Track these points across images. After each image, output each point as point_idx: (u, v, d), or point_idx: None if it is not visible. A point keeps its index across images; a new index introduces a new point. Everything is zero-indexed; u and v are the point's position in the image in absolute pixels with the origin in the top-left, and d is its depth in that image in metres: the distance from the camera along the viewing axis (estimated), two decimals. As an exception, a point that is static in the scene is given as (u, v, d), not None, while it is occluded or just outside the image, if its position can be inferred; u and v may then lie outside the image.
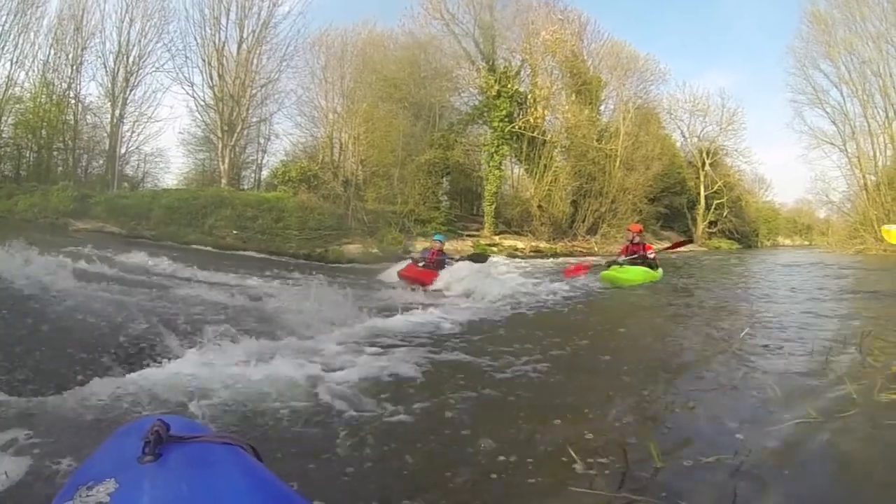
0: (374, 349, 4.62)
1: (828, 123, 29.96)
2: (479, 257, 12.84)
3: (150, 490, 0.93)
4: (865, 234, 26.51)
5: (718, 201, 43.53)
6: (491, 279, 10.45)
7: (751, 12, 78.98)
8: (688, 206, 42.77)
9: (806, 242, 53.57)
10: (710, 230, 43.90)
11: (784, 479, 2.33)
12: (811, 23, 29.52)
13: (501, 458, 2.56)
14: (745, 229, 46.64)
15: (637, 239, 11.04)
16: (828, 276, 13.64)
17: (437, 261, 11.49)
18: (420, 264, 11.54)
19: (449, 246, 20.99)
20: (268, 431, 2.80)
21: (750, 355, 4.45)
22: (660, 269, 11.23)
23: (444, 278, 10.38)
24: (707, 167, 43.49)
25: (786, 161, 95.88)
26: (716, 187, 43.35)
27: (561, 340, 5.31)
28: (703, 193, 43.48)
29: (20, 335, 4.21)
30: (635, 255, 10.83)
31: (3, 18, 24.36)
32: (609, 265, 10.92)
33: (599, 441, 2.72)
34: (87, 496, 0.93)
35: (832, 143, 29.90)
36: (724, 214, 43.77)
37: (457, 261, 11.68)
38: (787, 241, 57.24)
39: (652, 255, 10.85)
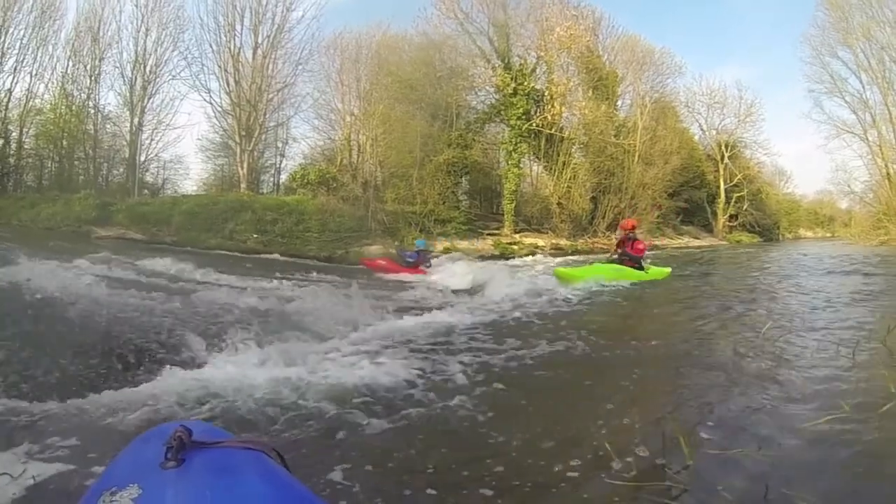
0: (399, 349, 4.66)
1: (847, 112, 29.56)
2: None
3: (174, 496, 0.94)
4: (889, 225, 26.09)
5: (738, 194, 42.87)
6: (509, 278, 10.46)
7: (766, 2, 77.82)
8: (708, 199, 42.27)
9: (828, 234, 52.75)
10: (731, 224, 43.35)
11: (817, 475, 2.29)
12: (827, 9, 29.15)
13: (536, 452, 2.57)
14: (765, 222, 46.01)
15: (631, 235, 10.76)
16: (850, 267, 13.43)
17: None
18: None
19: (469, 245, 22.41)
20: (292, 435, 2.79)
21: (776, 349, 4.45)
22: (650, 269, 10.93)
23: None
24: (726, 160, 42.90)
25: (806, 151, 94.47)
26: (735, 180, 42.71)
27: (586, 337, 5.28)
28: (722, 187, 42.89)
29: (45, 340, 4.23)
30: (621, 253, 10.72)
31: (22, 32, 24.87)
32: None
33: (633, 437, 2.74)
34: (111, 501, 0.94)
35: (852, 132, 29.52)
36: (745, 207, 43.12)
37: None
38: (809, 234, 56.40)
39: (640, 252, 10.59)
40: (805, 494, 2.06)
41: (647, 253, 11.09)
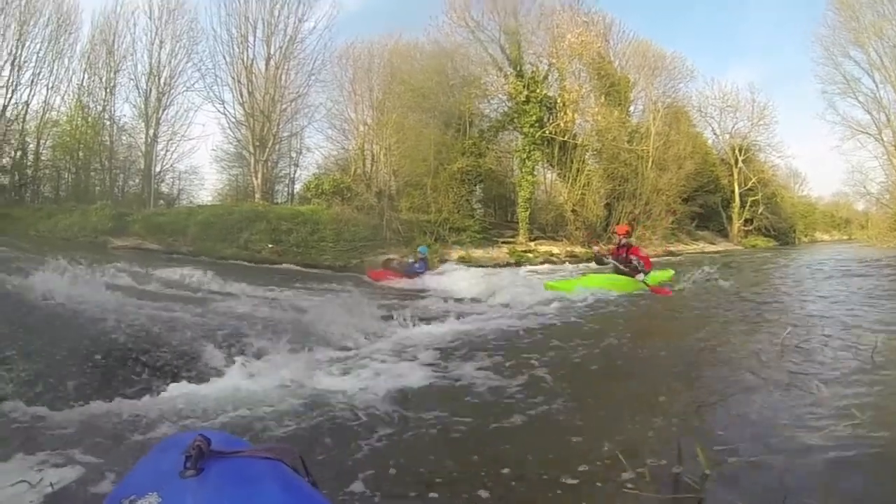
0: (413, 359, 4.66)
1: (861, 112, 29.02)
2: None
3: None
4: (907, 227, 25.74)
5: (753, 198, 42.40)
6: (524, 287, 10.42)
7: (774, 2, 76.96)
8: (722, 204, 41.90)
9: (845, 237, 52.22)
10: (746, 228, 42.90)
11: (836, 482, 2.25)
12: (837, 9, 28.80)
13: (550, 462, 2.54)
14: (781, 226, 45.46)
15: (624, 241, 10.42)
16: (868, 270, 13.33)
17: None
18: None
19: (484, 253, 22.30)
20: (311, 444, 2.77)
21: (794, 355, 4.38)
22: (649, 274, 10.34)
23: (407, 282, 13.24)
24: (740, 164, 42.47)
25: (821, 153, 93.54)
26: (750, 184, 42.23)
27: (600, 346, 5.27)
28: (737, 191, 42.50)
29: (63, 349, 4.24)
30: (618, 259, 10.32)
31: (38, 45, 25.25)
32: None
33: (648, 445, 2.70)
34: None
35: (867, 133, 29.03)
36: (760, 211, 42.64)
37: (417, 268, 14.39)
38: (826, 236, 55.76)
39: (637, 258, 10.16)
40: (823, 503, 2.02)
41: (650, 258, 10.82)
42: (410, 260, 15.45)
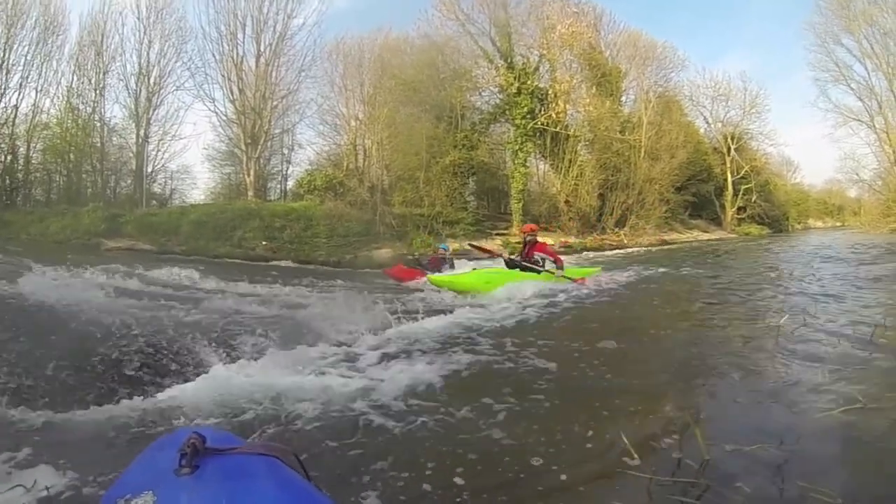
0: (409, 353, 4.60)
1: (853, 99, 29.38)
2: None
3: (189, 502, 0.95)
4: (900, 212, 25.87)
5: (746, 186, 42.53)
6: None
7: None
8: (715, 192, 41.99)
9: (838, 224, 52.52)
10: (740, 216, 43.03)
11: (834, 468, 2.25)
12: (827, -5, 28.94)
13: (553, 450, 2.54)
14: (774, 213, 45.69)
15: (529, 238, 10.13)
16: (862, 256, 13.38)
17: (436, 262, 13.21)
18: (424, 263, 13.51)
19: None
20: (305, 442, 2.75)
21: (791, 341, 4.37)
22: (556, 272, 9.79)
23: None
24: (733, 152, 42.55)
25: (813, 139, 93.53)
26: (743, 172, 42.34)
27: (598, 336, 5.22)
28: (730, 179, 42.61)
29: (57, 351, 4.19)
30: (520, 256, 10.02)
31: (26, 48, 25.08)
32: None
33: (648, 432, 2.70)
34: None
35: (859, 120, 29.36)
36: (753, 199, 42.79)
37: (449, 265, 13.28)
38: (819, 224, 56.06)
39: (542, 255, 9.78)
40: (822, 488, 2.02)
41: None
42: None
